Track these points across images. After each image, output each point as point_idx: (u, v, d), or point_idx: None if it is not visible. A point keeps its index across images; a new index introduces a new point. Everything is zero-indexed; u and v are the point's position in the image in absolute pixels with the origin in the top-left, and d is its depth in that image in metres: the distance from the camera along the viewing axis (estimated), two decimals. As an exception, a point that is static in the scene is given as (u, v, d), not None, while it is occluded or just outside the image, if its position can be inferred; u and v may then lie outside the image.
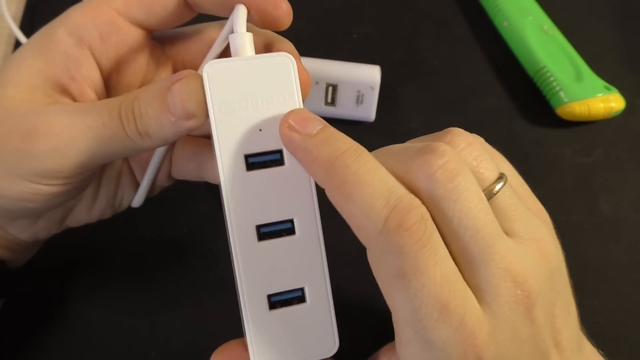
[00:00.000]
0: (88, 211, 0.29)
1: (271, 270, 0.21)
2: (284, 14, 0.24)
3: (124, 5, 0.24)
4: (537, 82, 0.41)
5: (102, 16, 0.24)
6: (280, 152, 0.22)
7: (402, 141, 0.23)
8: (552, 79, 0.40)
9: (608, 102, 0.39)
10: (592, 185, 0.38)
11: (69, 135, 0.22)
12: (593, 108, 0.39)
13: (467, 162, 0.21)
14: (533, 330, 0.20)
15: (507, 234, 0.20)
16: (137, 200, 0.29)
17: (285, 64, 0.21)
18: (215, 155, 0.21)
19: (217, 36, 0.25)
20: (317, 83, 0.38)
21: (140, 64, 0.26)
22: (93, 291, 0.34)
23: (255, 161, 0.21)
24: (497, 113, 0.41)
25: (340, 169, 0.20)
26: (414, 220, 0.18)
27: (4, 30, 0.44)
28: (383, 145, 0.22)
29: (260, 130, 0.21)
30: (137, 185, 0.30)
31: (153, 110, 0.22)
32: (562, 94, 0.39)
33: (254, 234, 0.21)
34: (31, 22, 0.43)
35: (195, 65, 0.27)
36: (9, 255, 0.29)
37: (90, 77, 0.25)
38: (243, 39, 0.22)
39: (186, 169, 0.29)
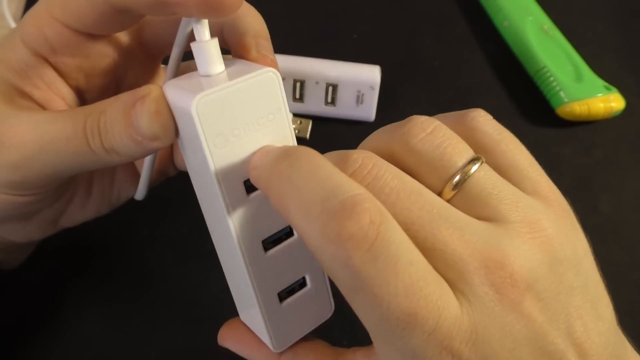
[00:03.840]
0: (82, 209, 0.29)
1: (278, 272, 0.22)
2: None
3: (62, 16, 0.22)
4: (537, 82, 0.41)
5: (49, 27, 0.23)
6: None
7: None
8: (552, 79, 0.40)
9: (608, 102, 0.39)
10: (592, 185, 0.38)
11: (31, 149, 0.21)
12: (593, 108, 0.39)
13: (427, 152, 0.19)
14: (531, 329, 0.17)
15: (489, 221, 0.18)
16: (140, 193, 0.29)
17: (270, 81, 0.20)
18: (215, 186, 0.20)
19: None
20: (317, 83, 0.38)
21: (107, 65, 0.25)
22: (92, 291, 0.34)
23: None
24: (497, 113, 0.40)
25: (274, 179, 0.18)
26: (358, 225, 0.15)
27: (4, 30, 0.44)
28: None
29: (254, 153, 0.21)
30: (136, 177, 0.29)
31: (118, 128, 0.21)
32: (562, 93, 0.39)
33: (260, 248, 0.21)
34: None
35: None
36: (3, 257, 0.29)
37: (55, 85, 0.24)
38: (209, 49, 0.20)
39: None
